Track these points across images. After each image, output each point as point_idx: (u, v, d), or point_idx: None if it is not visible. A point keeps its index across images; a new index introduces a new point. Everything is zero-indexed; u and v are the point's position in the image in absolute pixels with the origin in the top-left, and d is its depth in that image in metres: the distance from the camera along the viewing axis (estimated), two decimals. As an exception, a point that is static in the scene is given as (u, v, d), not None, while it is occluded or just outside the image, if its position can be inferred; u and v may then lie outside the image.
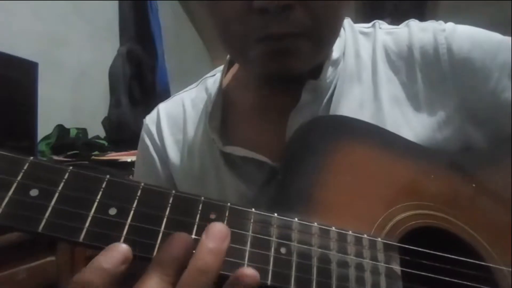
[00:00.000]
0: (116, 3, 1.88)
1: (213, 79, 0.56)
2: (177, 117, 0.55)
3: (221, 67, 0.55)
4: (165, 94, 1.87)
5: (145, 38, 1.91)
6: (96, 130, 1.71)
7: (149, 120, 0.57)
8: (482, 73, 0.43)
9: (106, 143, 1.65)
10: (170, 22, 2.21)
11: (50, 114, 1.48)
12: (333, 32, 0.42)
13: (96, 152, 1.48)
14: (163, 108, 0.57)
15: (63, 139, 1.49)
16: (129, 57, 1.81)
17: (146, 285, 0.24)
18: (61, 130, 1.52)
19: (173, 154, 0.53)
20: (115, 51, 1.83)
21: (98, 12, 1.82)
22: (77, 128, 1.60)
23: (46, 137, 1.49)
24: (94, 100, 1.78)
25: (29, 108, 1.32)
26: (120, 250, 0.25)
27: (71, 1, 1.68)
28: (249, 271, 0.25)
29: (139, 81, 1.85)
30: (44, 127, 1.44)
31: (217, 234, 0.26)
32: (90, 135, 1.65)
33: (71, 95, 1.69)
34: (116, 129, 1.71)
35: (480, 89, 0.43)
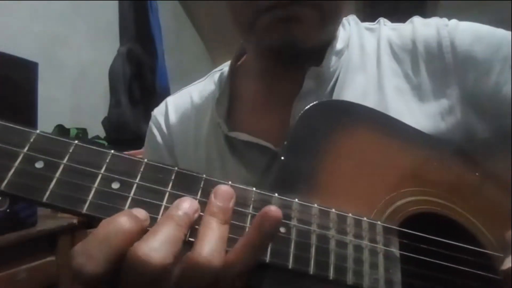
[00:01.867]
0: (116, 3, 1.88)
1: (220, 73, 0.58)
2: (185, 108, 0.57)
3: (227, 63, 0.57)
4: (165, 94, 1.87)
5: (145, 38, 1.91)
6: (96, 130, 1.71)
7: (157, 112, 0.59)
8: (484, 66, 0.43)
9: (106, 143, 1.65)
10: (170, 22, 2.21)
11: (50, 114, 1.47)
12: (337, 5, 0.44)
13: (96, 152, 1.48)
14: (171, 101, 0.59)
15: (63, 139, 1.49)
16: (129, 57, 1.81)
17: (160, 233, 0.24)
18: (61, 130, 1.52)
19: (180, 143, 0.55)
20: (115, 51, 1.83)
21: (98, 12, 1.82)
22: (77, 128, 1.59)
23: (46, 137, 1.48)
24: (94, 100, 1.78)
25: (29, 108, 1.32)
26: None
27: (71, 1, 1.69)
28: (272, 207, 0.26)
29: (139, 81, 1.85)
30: (44, 127, 1.42)
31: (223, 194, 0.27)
32: (90, 135, 1.65)
33: (71, 95, 1.69)
34: (116, 129, 1.71)
35: (482, 81, 0.43)
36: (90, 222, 0.95)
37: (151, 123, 0.58)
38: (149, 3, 1.93)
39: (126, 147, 1.46)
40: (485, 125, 0.43)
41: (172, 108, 0.57)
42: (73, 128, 1.57)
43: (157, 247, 0.23)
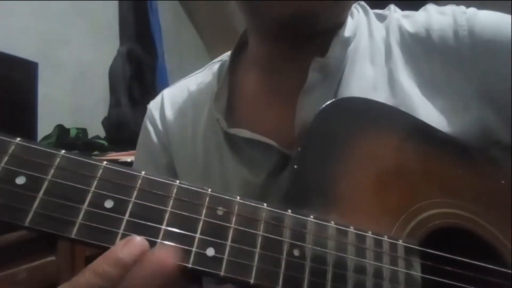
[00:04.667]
0: (116, 3, 1.88)
1: (219, 64, 0.55)
2: (182, 102, 0.53)
3: (227, 53, 0.54)
4: (165, 94, 1.87)
5: (145, 38, 1.91)
6: (96, 130, 1.70)
7: (153, 105, 0.55)
8: (507, 57, 0.40)
9: (106, 143, 1.64)
10: (170, 22, 2.20)
11: (50, 114, 1.47)
12: None
13: (96, 152, 1.48)
14: (168, 94, 0.55)
15: (63, 139, 1.49)
16: (129, 57, 1.81)
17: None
18: (61, 130, 1.52)
19: (176, 140, 0.51)
20: (115, 51, 1.82)
21: (98, 12, 1.81)
22: (77, 128, 1.59)
23: (46, 137, 1.48)
24: (94, 100, 1.77)
25: (29, 108, 1.32)
26: (138, 243, 0.23)
27: (71, 1, 1.68)
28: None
29: (139, 81, 1.84)
30: (44, 127, 1.44)
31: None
32: (90, 135, 1.65)
33: (71, 95, 1.69)
34: (116, 129, 1.71)
35: (504, 73, 0.40)
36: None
37: (145, 119, 0.55)
38: (149, 3, 1.93)
39: (126, 147, 1.46)
40: (503, 122, 0.40)
41: (168, 101, 0.54)
42: (73, 128, 1.57)
43: None
